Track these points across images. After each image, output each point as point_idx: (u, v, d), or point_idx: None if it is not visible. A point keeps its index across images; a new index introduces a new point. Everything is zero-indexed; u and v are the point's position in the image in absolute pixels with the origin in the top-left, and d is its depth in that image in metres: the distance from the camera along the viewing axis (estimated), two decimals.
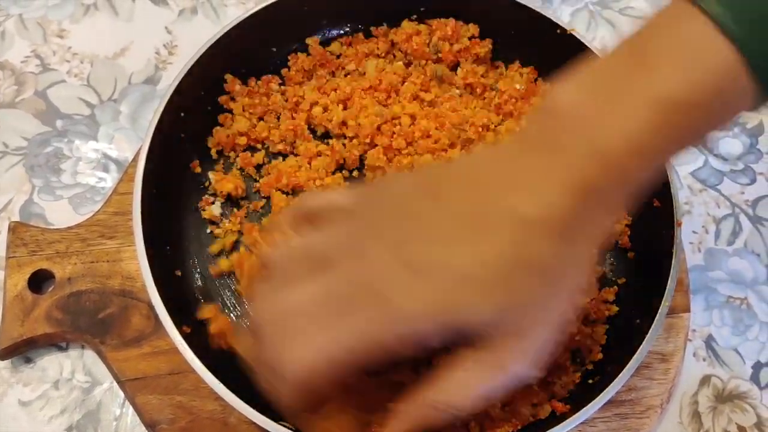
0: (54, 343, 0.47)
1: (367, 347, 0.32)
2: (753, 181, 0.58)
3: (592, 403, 0.41)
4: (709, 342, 0.51)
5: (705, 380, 0.50)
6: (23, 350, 0.47)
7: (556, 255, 0.31)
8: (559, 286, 0.33)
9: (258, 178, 0.51)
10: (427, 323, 0.31)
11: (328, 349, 0.32)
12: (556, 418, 0.41)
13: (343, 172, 0.52)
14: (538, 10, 0.53)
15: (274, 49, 0.54)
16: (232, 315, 0.47)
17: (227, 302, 0.47)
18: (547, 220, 0.31)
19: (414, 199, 0.34)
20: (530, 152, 0.32)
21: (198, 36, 0.50)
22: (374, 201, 0.36)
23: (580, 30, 0.59)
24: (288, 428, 0.39)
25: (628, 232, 0.50)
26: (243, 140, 0.51)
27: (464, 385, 0.33)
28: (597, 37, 0.64)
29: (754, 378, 0.50)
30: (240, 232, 0.49)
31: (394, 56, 0.56)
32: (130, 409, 0.46)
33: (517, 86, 0.53)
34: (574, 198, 0.30)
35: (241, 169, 0.51)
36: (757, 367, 0.51)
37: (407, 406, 0.35)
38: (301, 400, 0.34)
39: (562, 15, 0.65)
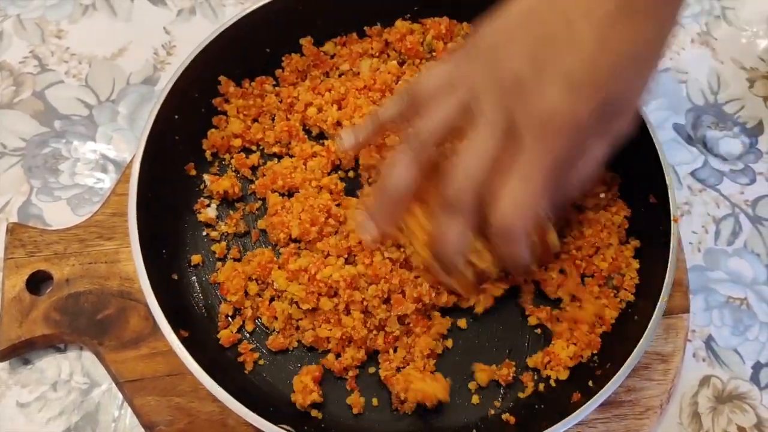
0: (52, 344, 0.47)
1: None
2: (753, 181, 0.58)
3: (589, 402, 0.41)
4: (708, 342, 0.51)
5: (705, 381, 0.50)
6: (21, 352, 0.47)
7: (638, 40, 0.36)
8: (645, 70, 0.39)
9: (253, 180, 0.51)
10: (577, 117, 0.37)
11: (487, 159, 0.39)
12: (555, 419, 0.41)
13: (339, 172, 0.51)
14: None
15: (268, 50, 0.54)
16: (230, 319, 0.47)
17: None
18: (620, 9, 0.35)
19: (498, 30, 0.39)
20: None
21: (196, 36, 0.50)
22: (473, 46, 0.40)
23: None
24: (285, 430, 0.39)
25: (627, 225, 0.50)
26: (238, 142, 0.51)
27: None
28: None
29: (754, 378, 0.50)
30: (236, 234, 0.49)
31: (388, 56, 0.55)
32: (129, 411, 0.46)
33: None
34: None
35: (236, 171, 0.51)
36: (757, 367, 0.51)
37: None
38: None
39: None
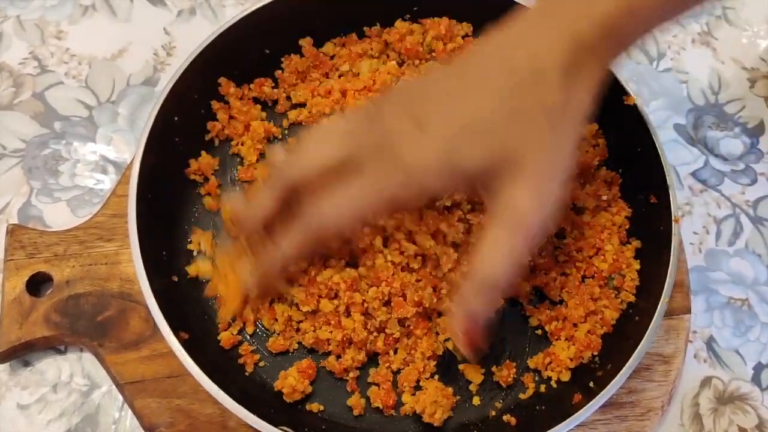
0: (52, 346, 0.47)
1: (377, 200, 0.38)
2: (754, 181, 0.58)
3: (590, 403, 0.41)
4: (710, 343, 0.51)
5: (706, 382, 0.50)
6: (22, 354, 0.46)
7: (551, 100, 0.35)
8: (556, 130, 0.36)
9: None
10: (430, 173, 0.36)
11: (345, 205, 0.39)
12: (556, 420, 0.41)
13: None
14: None
15: (268, 51, 0.53)
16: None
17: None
18: (542, 70, 0.35)
19: (426, 77, 0.40)
20: (531, 21, 0.37)
21: (196, 37, 0.50)
22: (388, 94, 0.42)
23: None
24: None
25: (627, 226, 0.50)
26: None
27: (491, 254, 0.37)
28: None
29: (755, 379, 0.50)
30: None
31: (388, 56, 0.55)
32: (129, 413, 0.46)
33: None
34: (566, 50, 0.35)
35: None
36: (759, 368, 0.51)
37: (454, 307, 0.39)
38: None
39: None
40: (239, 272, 0.44)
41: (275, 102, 0.54)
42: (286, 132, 0.53)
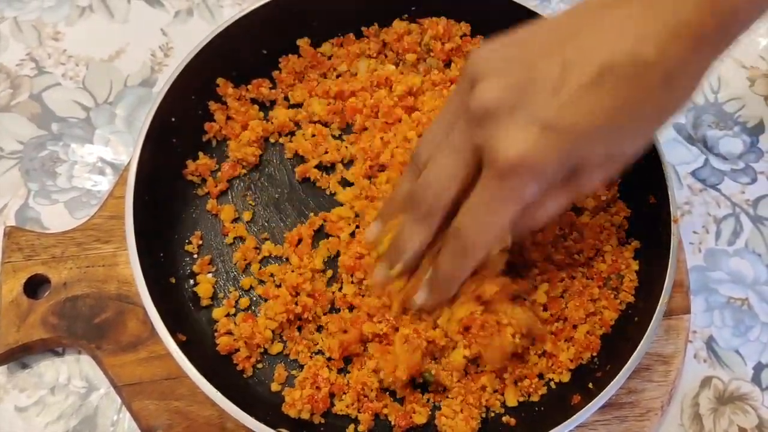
0: (50, 348, 0.47)
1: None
2: (754, 180, 0.58)
3: (589, 404, 0.41)
4: (709, 343, 0.51)
5: (706, 382, 0.50)
6: (19, 356, 0.46)
7: (649, 99, 0.33)
8: (646, 131, 0.36)
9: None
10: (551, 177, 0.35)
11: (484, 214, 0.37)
12: (556, 421, 0.41)
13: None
14: (535, 9, 0.52)
15: (265, 52, 0.53)
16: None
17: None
18: (644, 62, 0.32)
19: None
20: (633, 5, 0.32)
21: (194, 37, 0.50)
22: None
23: None
24: None
25: (626, 226, 0.49)
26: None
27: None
28: None
29: (756, 379, 0.50)
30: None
31: (386, 56, 0.55)
32: (127, 415, 0.46)
33: None
34: (684, 44, 0.31)
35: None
36: (759, 368, 0.50)
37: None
38: None
39: None
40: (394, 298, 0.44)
41: (273, 102, 0.54)
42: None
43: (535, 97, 0.33)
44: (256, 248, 0.48)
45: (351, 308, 0.46)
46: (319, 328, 0.46)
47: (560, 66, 0.33)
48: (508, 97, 0.33)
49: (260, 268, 0.48)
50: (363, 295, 0.46)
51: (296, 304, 0.45)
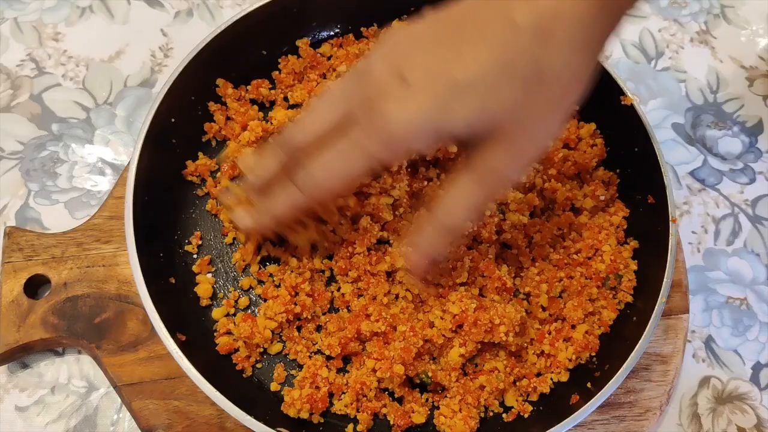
0: (50, 348, 0.47)
1: (361, 159, 0.36)
2: (752, 180, 0.58)
3: (588, 404, 0.41)
4: (708, 343, 0.51)
5: (704, 381, 0.50)
6: (19, 356, 0.46)
7: (550, 65, 0.32)
8: (550, 96, 0.34)
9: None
10: (412, 134, 0.34)
11: (330, 165, 0.37)
12: (554, 421, 0.41)
13: None
14: None
15: (265, 52, 0.53)
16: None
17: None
18: (546, 30, 0.31)
19: (418, 24, 0.35)
20: None
21: (194, 38, 0.50)
22: (377, 45, 0.37)
23: None
24: None
25: (625, 226, 0.50)
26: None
27: (455, 201, 0.36)
28: None
29: (754, 379, 0.50)
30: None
31: None
32: (127, 414, 0.46)
33: None
34: (576, 12, 0.31)
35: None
36: (757, 367, 0.50)
37: (415, 238, 0.38)
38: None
39: None
40: (236, 218, 0.44)
41: (272, 103, 0.54)
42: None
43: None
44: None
45: (349, 309, 0.46)
46: (318, 328, 0.46)
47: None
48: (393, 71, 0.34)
49: (260, 269, 0.48)
50: (360, 296, 0.46)
51: (295, 304, 0.45)
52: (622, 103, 0.49)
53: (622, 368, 0.42)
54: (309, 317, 0.46)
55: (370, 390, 0.43)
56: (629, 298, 0.47)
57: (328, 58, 0.55)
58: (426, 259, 0.39)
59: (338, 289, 0.47)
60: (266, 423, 0.39)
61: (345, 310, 0.46)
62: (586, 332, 0.46)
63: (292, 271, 0.47)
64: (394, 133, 0.34)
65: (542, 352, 0.46)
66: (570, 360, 0.45)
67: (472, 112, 0.33)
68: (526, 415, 0.44)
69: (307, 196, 0.39)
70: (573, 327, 0.46)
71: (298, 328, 0.46)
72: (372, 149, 0.36)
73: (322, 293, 0.46)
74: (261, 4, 0.51)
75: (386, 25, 0.55)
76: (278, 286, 0.47)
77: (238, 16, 0.50)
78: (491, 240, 0.47)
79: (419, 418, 0.43)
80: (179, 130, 0.49)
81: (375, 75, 0.35)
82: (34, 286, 0.47)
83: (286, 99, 0.54)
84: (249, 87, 0.53)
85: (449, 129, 0.34)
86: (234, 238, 0.49)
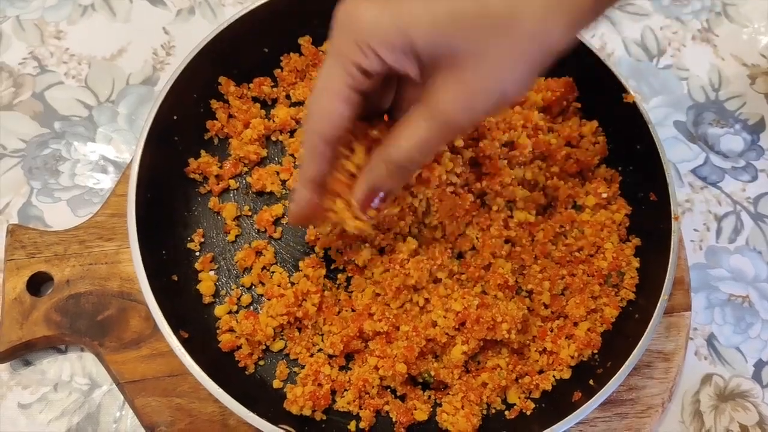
0: (53, 345, 0.47)
1: (338, 66, 0.36)
2: (754, 178, 0.58)
3: (590, 401, 0.41)
4: (710, 340, 0.51)
5: (706, 379, 0.50)
6: (22, 353, 0.47)
7: (521, 12, 0.33)
8: (513, 47, 0.34)
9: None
10: (383, 33, 0.34)
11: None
12: (556, 418, 0.41)
13: None
14: None
15: (267, 50, 0.53)
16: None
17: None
18: None
19: None
20: None
21: (196, 36, 0.50)
22: None
23: None
24: (285, 430, 0.39)
25: (627, 223, 0.50)
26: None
27: (406, 136, 0.36)
28: (597, 34, 0.64)
29: (756, 376, 0.50)
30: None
31: None
32: (130, 412, 0.46)
33: None
34: None
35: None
36: (759, 365, 0.50)
37: (366, 168, 0.38)
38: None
39: None
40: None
41: (274, 101, 0.54)
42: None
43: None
44: (257, 253, 0.49)
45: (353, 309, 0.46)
46: (320, 332, 0.46)
47: None
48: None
49: (262, 269, 0.48)
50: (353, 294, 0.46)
51: (299, 306, 0.45)
52: (624, 101, 0.49)
53: (624, 365, 0.42)
54: (309, 326, 0.46)
55: (373, 387, 0.43)
56: (631, 296, 0.47)
57: None
58: (373, 193, 0.39)
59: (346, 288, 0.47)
60: (269, 420, 0.39)
61: (348, 309, 0.46)
62: (588, 329, 0.46)
63: (307, 278, 0.47)
64: (364, 32, 0.35)
65: (544, 350, 0.46)
66: (572, 357, 0.45)
67: (437, 16, 0.34)
68: (528, 412, 0.44)
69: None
70: (575, 324, 0.46)
71: (299, 329, 0.46)
72: (345, 50, 0.36)
73: (330, 307, 0.46)
74: (263, 2, 0.51)
75: None
76: (279, 286, 0.47)
77: (240, 14, 0.50)
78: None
79: (422, 415, 0.43)
80: (181, 128, 0.49)
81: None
82: (37, 284, 0.48)
83: (288, 97, 0.54)
84: (251, 85, 0.53)
85: (414, 34, 0.34)
86: (236, 235, 0.49)
